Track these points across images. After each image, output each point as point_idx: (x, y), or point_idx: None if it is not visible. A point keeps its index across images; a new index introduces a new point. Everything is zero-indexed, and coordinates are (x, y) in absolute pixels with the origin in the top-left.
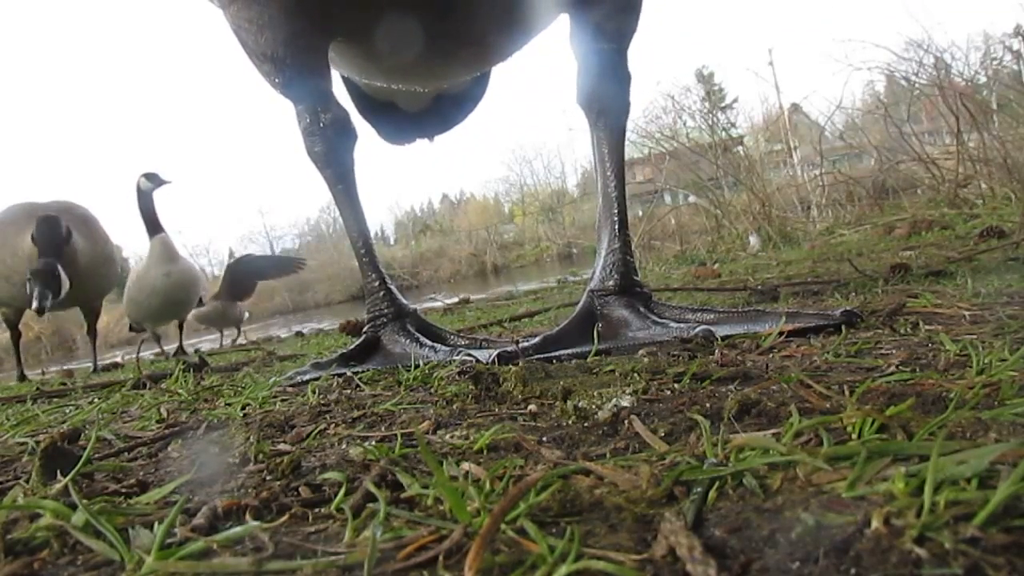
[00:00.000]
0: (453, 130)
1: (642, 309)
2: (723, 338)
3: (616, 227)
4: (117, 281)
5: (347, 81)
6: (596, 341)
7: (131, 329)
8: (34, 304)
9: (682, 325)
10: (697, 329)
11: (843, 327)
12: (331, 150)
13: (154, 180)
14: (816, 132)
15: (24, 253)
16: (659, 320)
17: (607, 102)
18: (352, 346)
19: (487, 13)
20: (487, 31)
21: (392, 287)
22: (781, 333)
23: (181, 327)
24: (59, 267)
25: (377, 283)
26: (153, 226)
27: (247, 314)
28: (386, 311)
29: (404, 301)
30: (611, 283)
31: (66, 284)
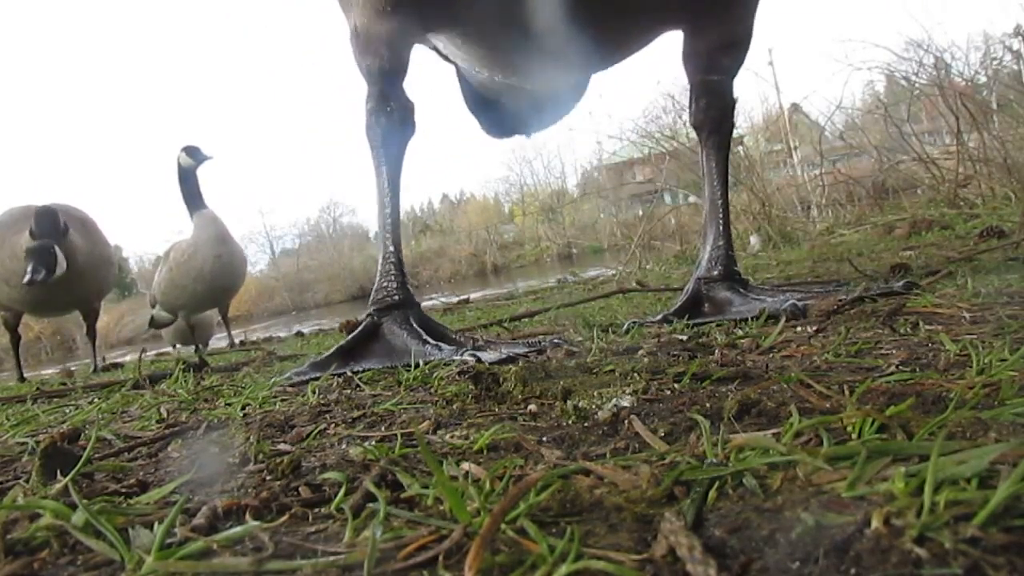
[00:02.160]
0: (550, 128)
1: (742, 290)
2: (805, 307)
3: (721, 227)
4: (115, 282)
5: (461, 78)
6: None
7: (152, 325)
8: (26, 278)
9: (775, 299)
10: (787, 304)
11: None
12: (389, 133)
13: (196, 156)
14: (816, 132)
15: (23, 254)
16: (756, 298)
17: (715, 125)
18: (351, 335)
19: (604, 27)
20: (599, 43)
21: (406, 274)
22: (788, 323)
23: (226, 320)
24: (56, 247)
25: (393, 264)
26: (195, 201)
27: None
28: (394, 293)
29: (411, 294)
30: (716, 272)
31: (62, 264)
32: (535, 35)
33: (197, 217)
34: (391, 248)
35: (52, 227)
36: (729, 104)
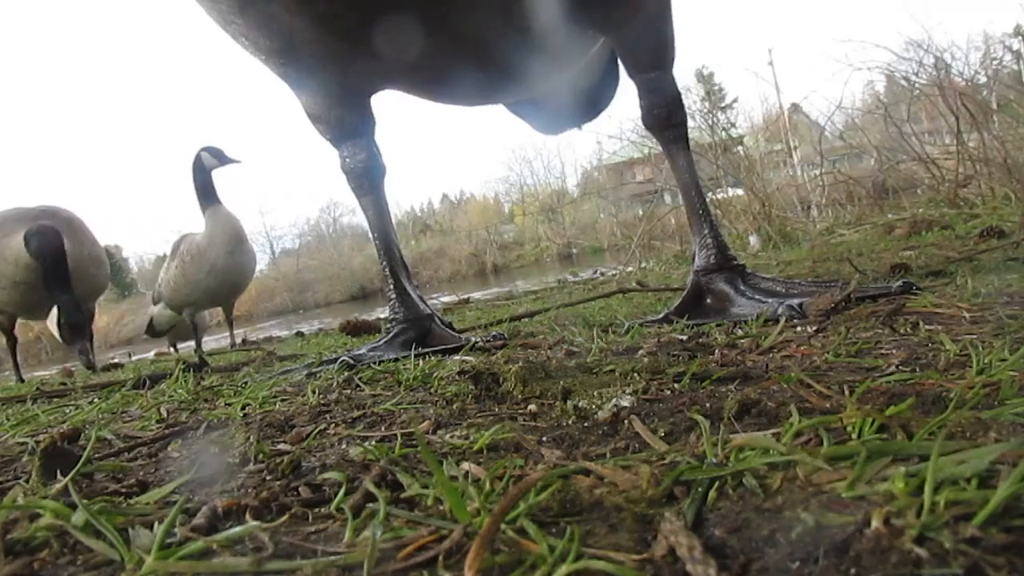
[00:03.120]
0: (598, 117)
1: (740, 285)
2: (803, 308)
3: (703, 219)
4: (108, 282)
5: None
6: (708, 315)
7: (149, 331)
8: (85, 361)
9: (771, 300)
10: (782, 307)
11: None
12: (360, 185)
13: (220, 158)
14: (816, 132)
15: (13, 256)
16: (754, 297)
17: (665, 121)
18: (379, 339)
19: (523, 61)
20: (525, 72)
21: (410, 294)
22: (791, 324)
23: (230, 320)
24: (78, 303)
25: (392, 289)
26: (209, 198)
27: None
28: (398, 312)
29: (421, 306)
30: (711, 262)
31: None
32: (476, 71)
33: (211, 212)
34: (390, 280)
35: (57, 260)
36: (672, 98)
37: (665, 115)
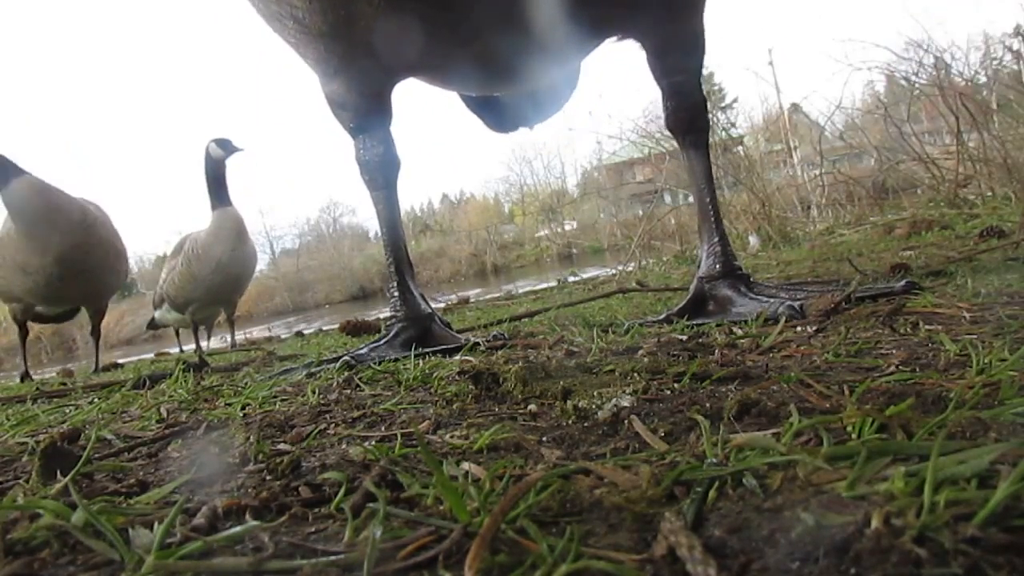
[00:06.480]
0: (551, 118)
1: (743, 289)
2: (803, 308)
3: (713, 226)
4: (124, 280)
5: None
6: (709, 317)
7: (151, 326)
8: None
9: (772, 300)
10: (782, 307)
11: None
12: (375, 178)
13: (226, 148)
14: (816, 132)
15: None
16: (755, 297)
17: (688, 125)
18: (379, 338)
19: (543, 50)
20: (543, 59)
21: (412, 292)
22: (790, 324)
23: (231, 321)
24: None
25: (395, 287)
26: (220, 197)
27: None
28: (399, 313)
29: (422, 305)
30: (716, 269)
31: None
32: (493, 62)
33: (220, 212)
34: (394, 276)
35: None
36: (697, 102)
37: (688, 119)
